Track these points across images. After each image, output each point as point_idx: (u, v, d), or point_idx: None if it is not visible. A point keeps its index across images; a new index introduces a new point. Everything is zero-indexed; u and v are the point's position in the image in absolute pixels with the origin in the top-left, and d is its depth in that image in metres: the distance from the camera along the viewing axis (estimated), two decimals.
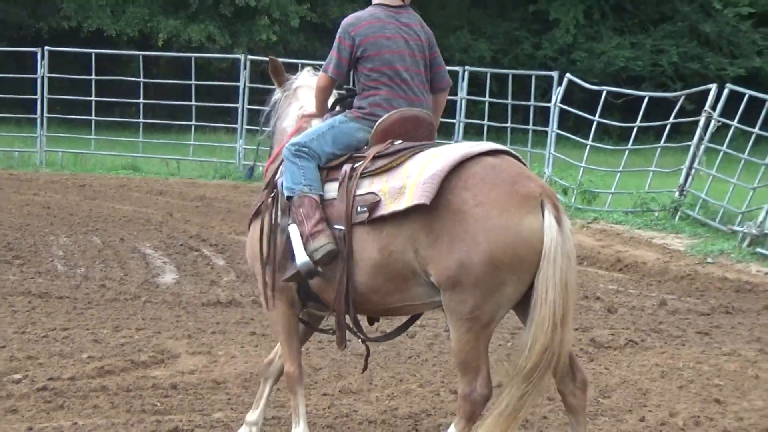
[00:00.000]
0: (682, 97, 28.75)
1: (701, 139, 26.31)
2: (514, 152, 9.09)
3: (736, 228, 23.59)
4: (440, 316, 13.19)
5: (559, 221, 8.63)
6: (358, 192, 9.05)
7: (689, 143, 26.72)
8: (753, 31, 46.61)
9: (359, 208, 8.97)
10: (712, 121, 26.30)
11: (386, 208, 8.82)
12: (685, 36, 46.97)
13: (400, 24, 9.73)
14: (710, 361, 13.71)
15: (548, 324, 8.57)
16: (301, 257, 9.17)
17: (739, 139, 26.17)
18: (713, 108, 26.20)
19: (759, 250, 22.42)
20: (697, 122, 26.65)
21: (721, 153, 25.73)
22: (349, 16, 9.77)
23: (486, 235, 8.47)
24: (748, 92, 26.05)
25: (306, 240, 9.16)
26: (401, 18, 9.74)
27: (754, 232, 22.78)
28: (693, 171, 26.60)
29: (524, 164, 9.06)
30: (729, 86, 26.80)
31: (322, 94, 9.96)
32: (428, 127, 9.63)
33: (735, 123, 25.83)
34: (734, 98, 26.28)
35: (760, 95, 25.61)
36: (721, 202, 25.04)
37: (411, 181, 8.75)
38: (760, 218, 22.96)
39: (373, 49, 9.62)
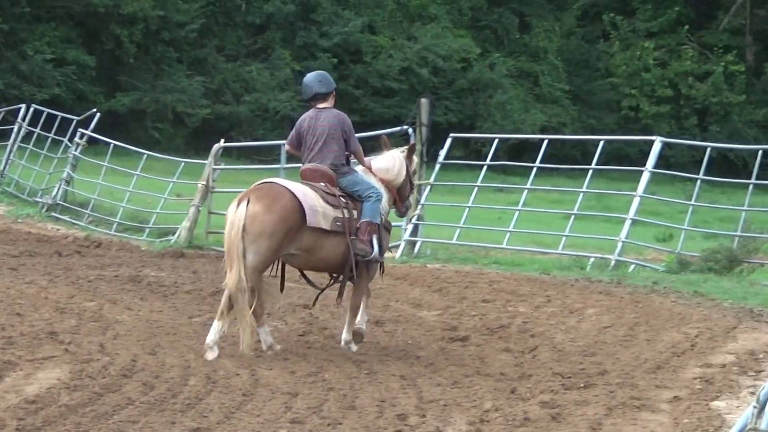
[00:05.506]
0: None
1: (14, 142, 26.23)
2: (279, 181, 10.76)
3: (38, 199, 23.30)
4: None
5: (238, 206, 10.16)
6: None
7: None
8: (53, 70, 45.41)
9: None
10: (23, 129, 26.20)
11: None
12: (9, 72, 45.04)
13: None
14: (16, 287, 13.30)
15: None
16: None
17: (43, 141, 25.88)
18: (23, 119, 26.09)
19: (53, 214, 22.28)
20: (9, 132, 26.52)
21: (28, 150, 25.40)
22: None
23: None
24: (46, 110, 26.54)
25: None
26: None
27: (50, 202, 22.66)
28: (9, 161, 26.42)
29: (286, 189, 10.34)
30: (34, 106, 27.01)
31: None
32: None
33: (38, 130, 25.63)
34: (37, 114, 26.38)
35: (59, 113, 25.95)
36: (28, 182, 24.71)
37: None
38: (54, 193, 22.85)
39: None
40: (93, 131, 23.42)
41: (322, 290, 11.20)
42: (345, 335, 10.92)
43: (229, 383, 9.00)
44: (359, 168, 11.20)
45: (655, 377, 9.49)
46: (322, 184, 10.68)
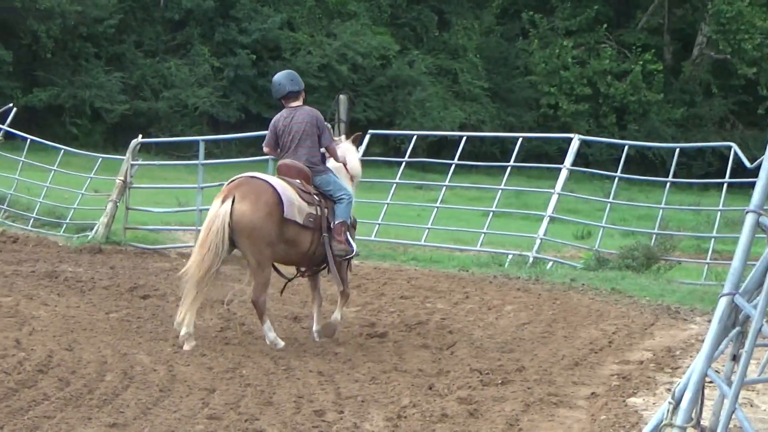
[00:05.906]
0: None
1: None
2: (259, 175, 11.01)
3: None
4: None
5: (223, 202, 10.48)
6: None
7: None
8: None
9: None
10: None
11: None
12: None
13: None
14: None
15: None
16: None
17: None
18: None
19: None
20: None
21: None
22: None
23: None
24: None
25: None
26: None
27: None
28: None
29: (267, 184, 10.71)
30: None
31: None
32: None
33: None
34: None
35: None
36: None
37: None
38: None
39: None
40: (10, 126, 23.05)
41: (290, 279, 11.72)
42: (335, 315, 11.55)
43: (146, 379, 8.92)
44: (332, 164, 11.58)
45: (573, 374, 9.57)
46: (298, 181, 11.07)
